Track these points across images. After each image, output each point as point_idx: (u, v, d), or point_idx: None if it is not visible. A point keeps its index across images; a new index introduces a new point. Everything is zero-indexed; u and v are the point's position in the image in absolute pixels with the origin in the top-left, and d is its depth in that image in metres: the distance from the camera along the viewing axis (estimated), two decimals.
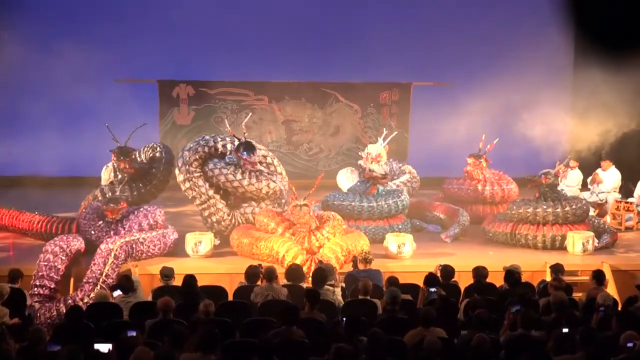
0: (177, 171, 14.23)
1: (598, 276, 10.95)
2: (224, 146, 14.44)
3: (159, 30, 19.23)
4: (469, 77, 19.15)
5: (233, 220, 14.12)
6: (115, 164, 15.18)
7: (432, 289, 10.40)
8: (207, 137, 14.56)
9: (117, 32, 19.06)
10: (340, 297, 10.84)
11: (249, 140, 14.30)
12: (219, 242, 13.80)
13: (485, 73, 18.77)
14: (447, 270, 11.39)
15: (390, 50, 19.47)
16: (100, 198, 14.47)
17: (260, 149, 14.65)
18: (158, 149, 15.58)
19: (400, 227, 14.57)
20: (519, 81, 18.47)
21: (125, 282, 10.93)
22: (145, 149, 15.71)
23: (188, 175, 14.00)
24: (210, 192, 14.03)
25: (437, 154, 18.92)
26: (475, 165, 16.31)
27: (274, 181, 14.24)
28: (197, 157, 14.12)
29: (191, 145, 14.37)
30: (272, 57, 19.39)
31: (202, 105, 19.91)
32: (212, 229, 14.11)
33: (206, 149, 14.25)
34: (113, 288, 10.96)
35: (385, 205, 14.61)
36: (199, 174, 14.08)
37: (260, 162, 14.52)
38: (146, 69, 19.31)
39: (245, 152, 14.01)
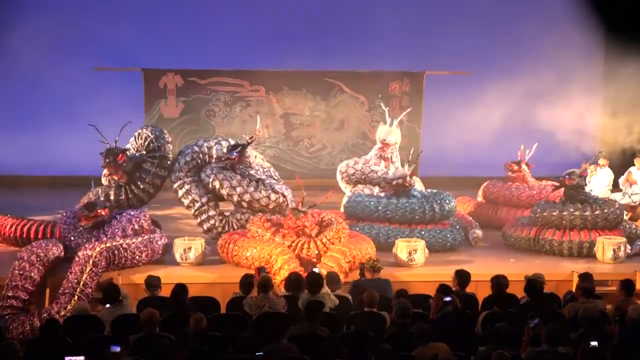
0: (171, 178, 14.70)
1: (627, 286, 10.92)
2: (218, 150, 14.82)
3: (143, 12, 19.29)
4: (488, 66, 19.17)
5: (227, 228, 14.32)
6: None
7: (447, 298, 10.36)
8: (200, 142, 15.04)
9: (96, 14, 19.12)
10: (333, 296, 10.97)
11: (243, 143, 14.65)
12: (209, 250, 13.83)
13: (506, 62, 18.83)
14: (463, 276, 11.31)
15: (401, 35, 19.51)
16: None
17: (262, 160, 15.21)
18: (149, 137, 15.01)
19: (421, 234, 14.27)
20: (545, 71, 18.54)
21: (109, 289, 10.93)
22: (136, 140, 15.24)
23: (180, 182, 14.59)
24: (204, 199, 14.50)
25: (452, 151, 18.95)
26: (515, 171, 16.38)
27: (276, 192, 14.34)
28: (189, 159, 14.68)
29: (184, 151, 14.91)
30: (269, 43, 19.42)
31: (192, 96, 19.95)
32: (207, 236, 14.41)
33: (200, 155, 14.75)
34: (102, 301, 10.96)
35: (407, 204, 14.43)
36: (190, 179, 14.61)
37: (265, 171, 14.96)
38: (130, 56, 19.33)
39: (233, 151, 14.44)
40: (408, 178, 14.81)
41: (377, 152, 16.22)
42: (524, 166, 16.38)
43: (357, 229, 14.24)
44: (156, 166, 14.76)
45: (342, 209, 15.74)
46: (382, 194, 15.12)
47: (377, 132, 16.57)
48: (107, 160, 14.41)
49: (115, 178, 14.62)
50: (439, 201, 14.51)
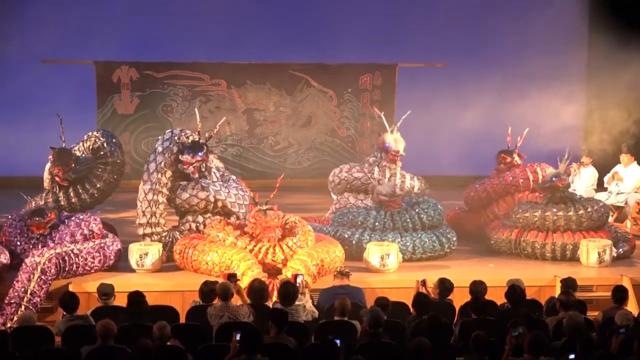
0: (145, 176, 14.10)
1: (616, 293, 11.01)
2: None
3: (95, 1, 19.20)
4: (466, 57, 19.26)
5: (169, 239, 14.10)
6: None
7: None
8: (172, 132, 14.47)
9: (45, 3, 19.01)
10: (312, 307, 11.00)
11: (199, 141, 14.22)
12: (167, 255, 13.80)
13: (485, 53, 18.90)
14: (447, 288, 11.41)
15: (372, 25, 19.54)
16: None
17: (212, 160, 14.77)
18: (99, 141, 14.93)
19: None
20: (524, 62, 18.67)
21: (68, 299, 10.87)
22: (84, 143, 15.07)
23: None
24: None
25: (428, 149, 18.98)
26: (507, 163, 15.78)
27: (206, 191, 13.97)
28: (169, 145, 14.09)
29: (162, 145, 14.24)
30: (231, 33, 19.41)
31: (148, 91, 19.91)
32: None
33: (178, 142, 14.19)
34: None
35: (388, 213, 14.41)
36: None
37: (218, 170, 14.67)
38: (80, 48, 19.26)
39: (189, 151, 14.04)
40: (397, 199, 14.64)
41: (383, 161, 16.01)
42: (515, 157, 15.75)
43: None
44: (109, 172, 14.66)
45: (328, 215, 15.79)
46: (370, 205, 15.13)
47: (380, 139, 16.21)
48: (60, 160, 14.26)
49: (57, 179, 14.48)
50: (424, 209, 14.48)
